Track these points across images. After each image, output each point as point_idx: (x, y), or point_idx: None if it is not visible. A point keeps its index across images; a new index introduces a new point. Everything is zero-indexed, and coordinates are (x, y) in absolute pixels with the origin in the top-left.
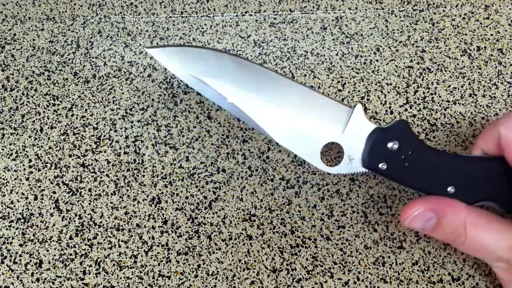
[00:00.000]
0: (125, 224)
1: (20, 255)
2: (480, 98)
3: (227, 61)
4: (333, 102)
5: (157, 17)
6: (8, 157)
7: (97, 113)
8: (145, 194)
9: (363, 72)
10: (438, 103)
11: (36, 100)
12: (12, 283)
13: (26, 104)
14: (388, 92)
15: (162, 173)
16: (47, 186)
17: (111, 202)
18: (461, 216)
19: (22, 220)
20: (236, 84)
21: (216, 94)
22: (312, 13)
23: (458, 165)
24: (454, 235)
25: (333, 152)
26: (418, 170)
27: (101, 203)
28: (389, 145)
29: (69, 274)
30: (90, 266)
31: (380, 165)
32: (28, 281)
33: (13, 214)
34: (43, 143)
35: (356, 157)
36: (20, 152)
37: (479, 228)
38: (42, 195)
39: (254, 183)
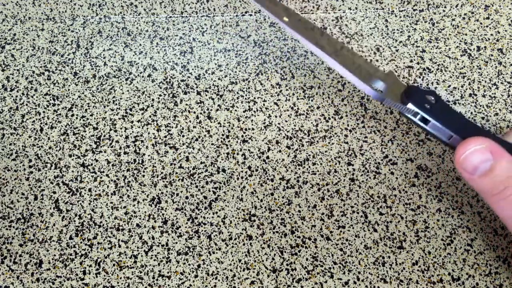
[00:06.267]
0: (125, 224)
1: (20, 255)
2: (480, 98)
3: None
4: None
5: (157, 17)
6: (8, 157)
7: (97, 113)
8: (145, 194)
9: None
10: None
11: (36, 100)
12: (12, 283)
13: (26, 104)
14: None
15: (162, 173)
16: (47, 186)
17: (111, 202)
18: None
19: (22, 220)
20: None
21: (273, 13)
22: (312, 13)
23: (495, 139)
24: (503, 184)
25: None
26: (460, 119)
27: (101, 203)
28: (427, 96)
29: (69, 274)
30: (90, 266)
31: (425, 104)
32: (28, 281)
33: (13, 214)
34: (43, 143)
35: (399, 95)
36: (20, 152)
37: None
38: (42, 195)
39: (254, 183)
